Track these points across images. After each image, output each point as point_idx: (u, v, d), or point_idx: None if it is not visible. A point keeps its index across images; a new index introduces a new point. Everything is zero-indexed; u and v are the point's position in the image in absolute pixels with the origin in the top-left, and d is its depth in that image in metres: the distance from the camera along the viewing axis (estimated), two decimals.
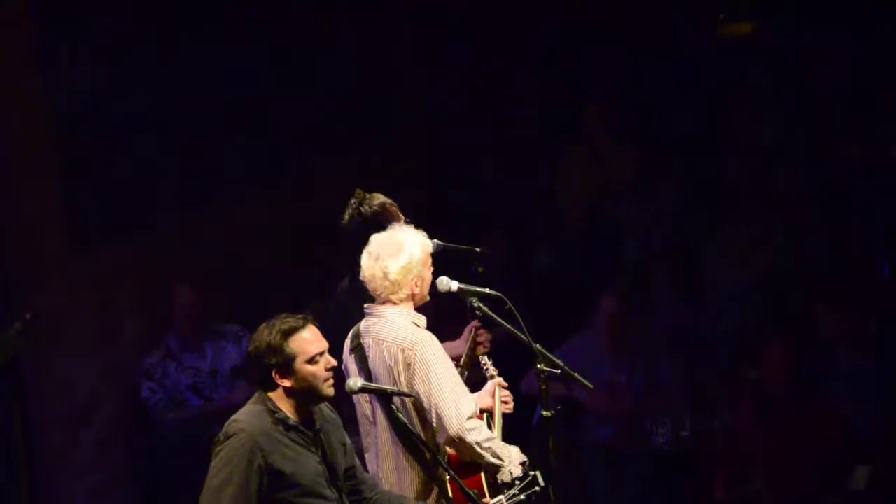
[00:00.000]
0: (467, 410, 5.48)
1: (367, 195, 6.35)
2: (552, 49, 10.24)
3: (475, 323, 6.25)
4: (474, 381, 6.19)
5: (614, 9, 10.10)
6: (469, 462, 5.58)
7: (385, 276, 5.58)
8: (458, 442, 5.37)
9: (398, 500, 5.36)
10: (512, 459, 5.55)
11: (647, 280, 9.35)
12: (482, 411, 5.87)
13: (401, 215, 6.26)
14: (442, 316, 6.35)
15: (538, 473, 5.38)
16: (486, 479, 5.61)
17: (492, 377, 6.02)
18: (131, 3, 8.65)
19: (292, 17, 9.44)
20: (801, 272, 9.02)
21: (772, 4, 10.03)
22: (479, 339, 6.30)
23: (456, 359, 6.23)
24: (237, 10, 9.16)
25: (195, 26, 8.94)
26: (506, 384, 6.00)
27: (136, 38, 8.67)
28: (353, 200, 6.36)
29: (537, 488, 5.38)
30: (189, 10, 8.88)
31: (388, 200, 6.33)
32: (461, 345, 6.33)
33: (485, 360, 6.11)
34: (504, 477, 5.50)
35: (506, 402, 5.94)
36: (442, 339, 5.82)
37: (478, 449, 5.47)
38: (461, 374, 6.06)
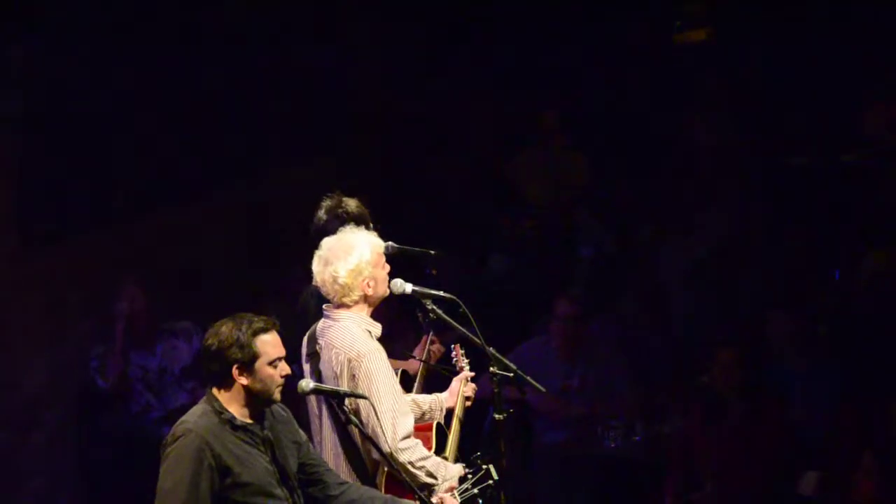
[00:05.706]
0: (403, 430, 5.45)
1: (344, 198, 6.34)
2: (508, 56, 10.26)
3: (430, 336, 6.17)
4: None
5: (569, 16, 10.13)
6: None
7: (335, 280, 5.54)
8: (391, 460, 5.36)
9: (368, 493, 5.32)
10: (449, 477, 5.52)
11: (602, 285, 9.38)
12: (448, 411, 5.86)
13: (370, 223, 6.27)
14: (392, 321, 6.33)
15: (491, 467, 5.36)
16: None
17: (461, 369, 6.01)
18: (87, 4, 8.60)
19: (250, 24, 9.43)
20: (751, 277, 9.07)
21: (725, 13, 10.12)
22: (432, 346, 6.25)
23: (412, 373, 6.23)
24: (194, 12, 9.13)
25: (152, 34, 8.90)
26: (472, 374, 5.99)
27: (89, 41, 8.62)
28: (328, 202, 6.34)
29: (490, 482, 5.36)
30: (146, 16, 8.83)
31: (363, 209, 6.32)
32: (415, 362, 6.33)
33: (456, 350, 6.09)
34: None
35: (468, 398, 5.92)
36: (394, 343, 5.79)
37: (410, 468, 5.45)
38: (417, 386, 6.05)
